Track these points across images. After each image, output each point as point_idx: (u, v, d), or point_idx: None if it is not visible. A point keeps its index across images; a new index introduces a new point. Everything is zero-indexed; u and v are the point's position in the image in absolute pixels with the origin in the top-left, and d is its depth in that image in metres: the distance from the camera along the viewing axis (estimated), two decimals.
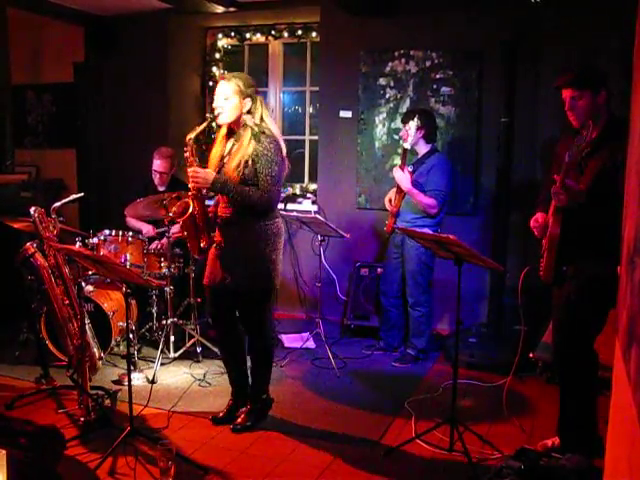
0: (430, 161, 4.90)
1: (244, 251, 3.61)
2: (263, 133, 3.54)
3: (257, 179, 3.51)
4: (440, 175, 4.83)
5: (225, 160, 3.60)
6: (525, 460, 3.14)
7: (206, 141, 5.35)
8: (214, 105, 3.58)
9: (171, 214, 3.83)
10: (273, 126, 3.66)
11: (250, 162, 3.49)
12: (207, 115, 3.57)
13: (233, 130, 3.64)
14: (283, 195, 6.27)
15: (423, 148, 4.94)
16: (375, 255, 5.86)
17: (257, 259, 3.61)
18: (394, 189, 4.98)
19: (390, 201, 4.99)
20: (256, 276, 3.63)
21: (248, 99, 3.55)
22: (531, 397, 4.38)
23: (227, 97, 3.53)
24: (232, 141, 3.62)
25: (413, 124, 4.69)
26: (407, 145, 4.73)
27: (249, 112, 3.57)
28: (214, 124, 4.64)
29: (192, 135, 3.55)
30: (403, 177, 4.77)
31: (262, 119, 3.60)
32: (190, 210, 3.58)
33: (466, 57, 5.48)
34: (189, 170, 3.52)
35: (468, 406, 4.13)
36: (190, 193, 3.60)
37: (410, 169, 4.81)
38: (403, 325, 5.22)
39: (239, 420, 3.82)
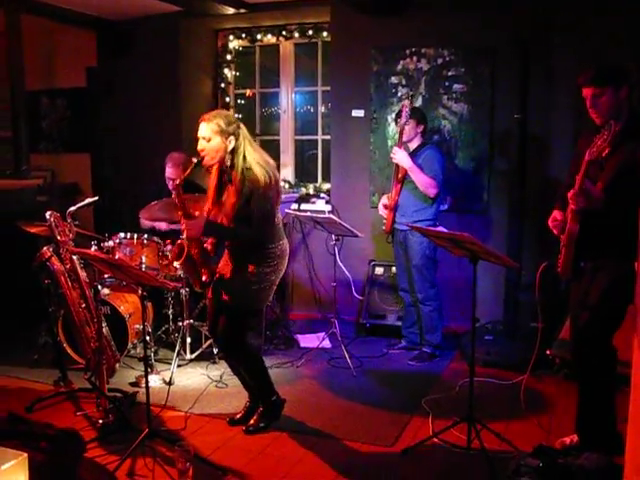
0: (422, 152, 4.92)
1: (245, 272, 3.62)
2: (251, 169, 3.49)
3: (251, 217, 3.52)
4: (433, 162, 4.85)
5: (223, 199, 3.63)
6: (543, 458, 3.12)
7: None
8: (198, 148, 3.56)
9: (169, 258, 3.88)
10: (260, 156, 3.58)
11: (244, 201, 3.49)
12: (192, 159, 3.55)
13: (224, 168, 3.63)
14: (296, 195, 6.28)
15: (416, 143, 4.96)
16: (390, 254, 5.85)
17: (256, 280, 3.62)
18: (385, 195, 5.07)
19: (385, 207, 5.02)
20: (250, 296, 3.65)
21: (231, 137, 3.51)
22: (548, 394, 4.35)
23: (209, 138, 3.50)
24: (226, 181, 3.63)
25: (407, 102, 4.80)
26: (403, 123, 4.80)
27: (234, 150, 3.54)
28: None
29: (179, 181, 3.59)
30: (403, 155, 4.82)
31: (246, 155, 3.53)
32: (185, 252, 3.60)
33: (478, 54, 5.45)
34: (181, 224, 3.56)
35: (485, 404, 4.11)
36: (183, 238, 3.61)
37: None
38: None
39: (251, 422, 3.84)
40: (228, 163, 3.56)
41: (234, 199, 3.51)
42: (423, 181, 4.80)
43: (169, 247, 5.11)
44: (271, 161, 3.63)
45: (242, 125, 3.61)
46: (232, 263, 3.68)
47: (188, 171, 3.56)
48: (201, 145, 3.54)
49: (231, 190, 3.55)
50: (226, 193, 3.61)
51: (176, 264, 3.68)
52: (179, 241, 3.67)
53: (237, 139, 3.53)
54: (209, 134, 3.50)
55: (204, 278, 3.71)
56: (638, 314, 2.13)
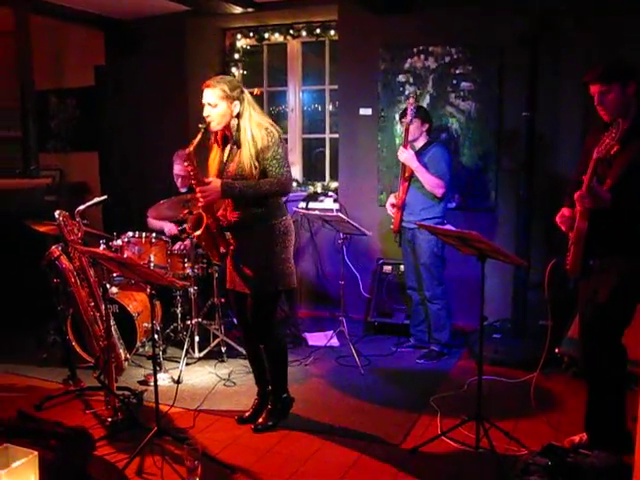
0: (428, 151, 4.90)
1: (255, 254, 3.61)
2: (258, 128, 3.51)
3: (265, 171, 3.51)
4: (440, 161, 4.84)
5: (225, 164, 3.60)
6: (552, 456, 3.11)
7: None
8: (204, 114, 3.56)
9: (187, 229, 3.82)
10: (265, 119, 3.61)
11: (253, 160, 3.48)
12: (199, 125, 3.53)
13: (226, 135, 3.64)
14: (304, 194, 6.28)
15: (422, 141, 4.95)
16: (398, 252, 5.85)
17: (268, 261, 3.61)
18: (393, 194, 5.06)
19: (392, 206, 5.02)
20: (267, 278, 3.63)
21: (236, 102, 3.52)
22: (557, 393, 4.34)
23: (215, 104, 3.51)
24: (229, 145, 3.61)
25: (412, 100, 4.79)
26: (409, 121, 4.79)
27: (239, 114, 3.55)
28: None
29: (191, 148, 3.50)
30: (409, 155, 4.82)
31: (252, 118, 3.55)
32: (204, 223, 3.58)
33: (486, 52, 5.43)
34: (197, 190, 3.51)
35: (493, 402, 4.10)
36: (200, 207, 3.57)
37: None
38: None
39: (260, 420, 3.84)
40: (234, 128, 3.56)
41: (242, 161, 3.50)
42: (430, 181, 4.79)
43: (178, 246, 5.15)
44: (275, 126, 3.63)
45: (245, 90, 3.62)
46: (237, 246, 3.66)
47: (198, 137, 3.50)
48: (207, 111, 3.54)
49: (236, 152, 3.54)
50: (230, 160, 3.58)
51: (197, 233, 3.60)
52: (196, 211, 3.64)
53: (242, 103, 3.54)
54: (215, 100, 3.50)
55: (222, 250, 3.68)
56: None
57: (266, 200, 3.57)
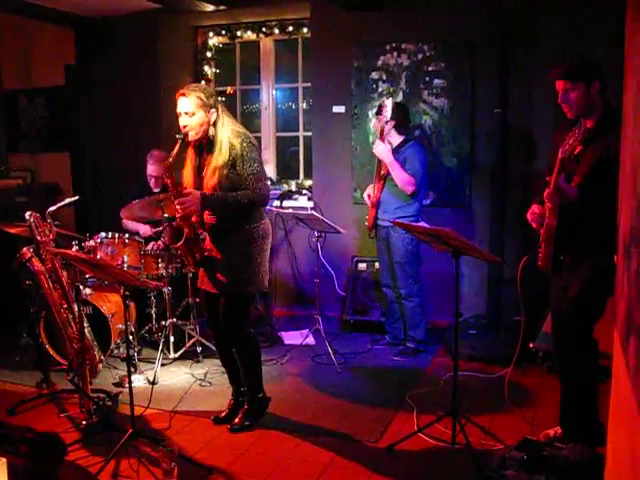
0: (404, 150, 4.91)
1: (231, 256, 3.60)
2: (233, 136, 3.49)
3: (241, 182, 3.48)
4: (414, 160, 4.85)
5: (203, 174, 3.56)
6: (528, 450, 3.14)
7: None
8: (181, 123, 3.50)
9: (165, 241, 3.77)
10: (239, 127, 3.61)
11: (229, 168, 3.46)
12: (177, 136, 3.48)
13: (202, 144, 3.60)
14: (278, 192, 6.27)
15: (396, 139, 4.95)
16: (373, 250, 5.86)
17: (243, 263, 3.59)
18: (371, 185, 5.06)
19: (369, 196, 5.03)
20: (242, 280, 3.61)
21: (213, 110, 3.50)
22: (532, 387, 4.38)
23: (192, 112, 3.47)
24: (205, 153, 3.58)
25: (389, 102, 4.79)
26: (384, 122, 4.80)
27: (215, 122, 3.52)
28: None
29: (170, 160, 3.45)
30: (384, 149, 4.83)
31: (227, 123, 3.54)
32: (184, 236, 3.54)
33: (458, 49, 5.46)
34: (175, 202, 3.46)
35: (469, 398, 4.13)
36: (178, 217, 3.53)
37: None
38: None
39: (236, 420, 3.82)
40: (211, 136, 3.52)
41: (219, 169, 3.46)
42: (401, 178, 4.80)
43: (151, 246, 5.11)
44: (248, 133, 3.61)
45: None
46: (215, 248, 3.64)
47: (176, 148, 3.46)
48: (184, 121, 3.48)
49: (213, 163, 3.49)
50: (207, 168, 3.53)
51: (177, 245, 3.56)
52: (174, 223, 3.60)
53: (217, 111, 3.52)
54: (192, 108, 3.46)
55: (197, 256, 3.65)
56: (617, 308, 2.15)
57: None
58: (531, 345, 4.59)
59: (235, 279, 3.60)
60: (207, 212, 3.58)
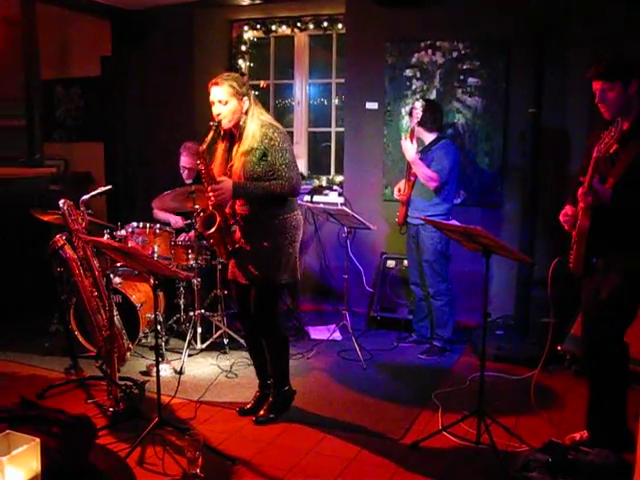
0: (436, 148, 4.90)
1: (263, 246, 3.61)
2: (264, 126, 3.52)
3: (273, 172, 3.50)
4: (443, 159, 4.82)
5: (232, 163, 3.58)
6: (553, 453, 3.11)
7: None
8: (214, 112, 3.53)
9: (198, 228, 3.78)
10: (269, 117, 3.64)
11: (260, 158, 3.48)
12: (210, 123, 3.51)
13: (233, 132, 3.62)
14: (309, 187, 6.28)
15: (427, 137, 4.94)
16: (402, 247, 5.84)
17: (275, 253, 3.61)
18: (403, 180, 5.04)
19: (399, 190, 5.02)
20: (273, 270, 3.63)
21: (245, 98, 3.53)
22: (559, 390, 4.34)
23: (225, 101, 3.50)
24: (236, 143, 3.59)
25: (419, 104, 4.78)
26: (415, 124, 4.81)
27: (247, 111, 3.54)
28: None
29: (204, 146, 3.49)
30: (409, 147, 4.82)
31: (258, 114, 3.57)
32: (217, 222, 3.56)
33: (493, 47, 5.41)
34: (208, 189, 3.48)
35: (495, 399, 4.10)
36: (210, 205, 3.55)
37: (418, 156, 4.85)
38: None
39: (261, 412, 3.84)
40: (242, 125, 3.54)
41: (244, 154, 3.49)
42: (424, 174, 4.79)
43: (182, 237, 5.16)
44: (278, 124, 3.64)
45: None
46: (245, 239, 3.66)
47: (210, 135, 3.49)
48: (217, 109, 3.52)
49: (242, 150, 3.52)
50: (235, 159, 3.56)
51: (210, 231, 3.58)
52: (207, 210, 3.62)
53: (249, 99, 3.55)
54: (225, 97, 3.49)
55: (229, 247, 3.67)
56: None
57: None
58: (559, 347, 4.55)
59: (266, 269, 3.62)
60: (239, 202, 3.60)
